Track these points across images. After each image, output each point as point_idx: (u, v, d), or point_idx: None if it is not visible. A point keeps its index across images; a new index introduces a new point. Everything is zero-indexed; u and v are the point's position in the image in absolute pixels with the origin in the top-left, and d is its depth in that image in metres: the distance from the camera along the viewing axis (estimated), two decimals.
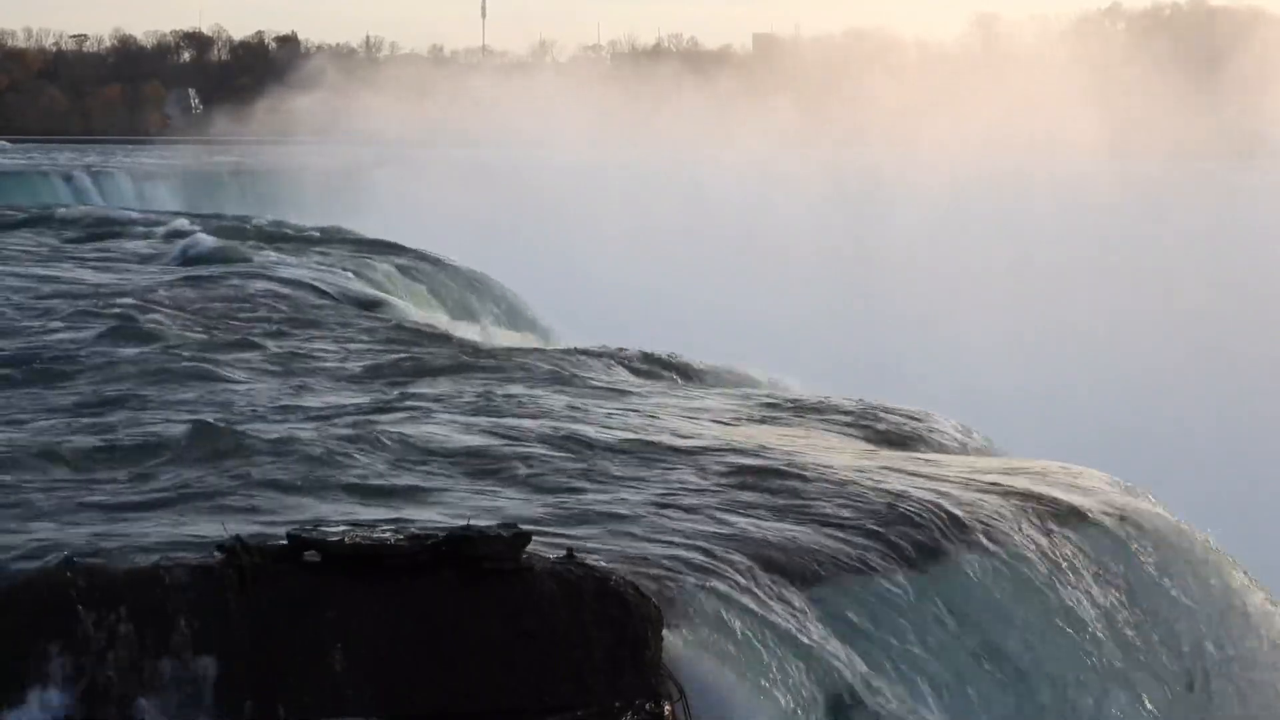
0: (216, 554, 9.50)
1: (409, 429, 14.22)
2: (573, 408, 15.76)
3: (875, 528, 11.90)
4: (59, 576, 9.21)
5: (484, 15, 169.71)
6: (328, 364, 18.06)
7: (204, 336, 19.62)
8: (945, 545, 11.82)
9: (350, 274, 28.76)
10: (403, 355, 18.82)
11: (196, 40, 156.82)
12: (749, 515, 11.97)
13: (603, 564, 10.01)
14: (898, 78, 78.49)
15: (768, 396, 17.88)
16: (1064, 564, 12.19)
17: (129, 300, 22.39)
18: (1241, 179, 62.35)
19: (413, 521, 10.80)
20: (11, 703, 8.80)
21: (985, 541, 12.01)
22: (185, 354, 18.04)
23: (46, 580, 9.21)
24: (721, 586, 10.49)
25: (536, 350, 20.94)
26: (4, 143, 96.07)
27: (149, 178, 70.42)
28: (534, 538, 9.82)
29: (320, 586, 9.33)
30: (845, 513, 12.13)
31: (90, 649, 8.95)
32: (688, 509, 12.08)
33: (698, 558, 10.88)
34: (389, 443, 13.65)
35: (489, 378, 17.27)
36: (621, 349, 20.38)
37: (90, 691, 8.89)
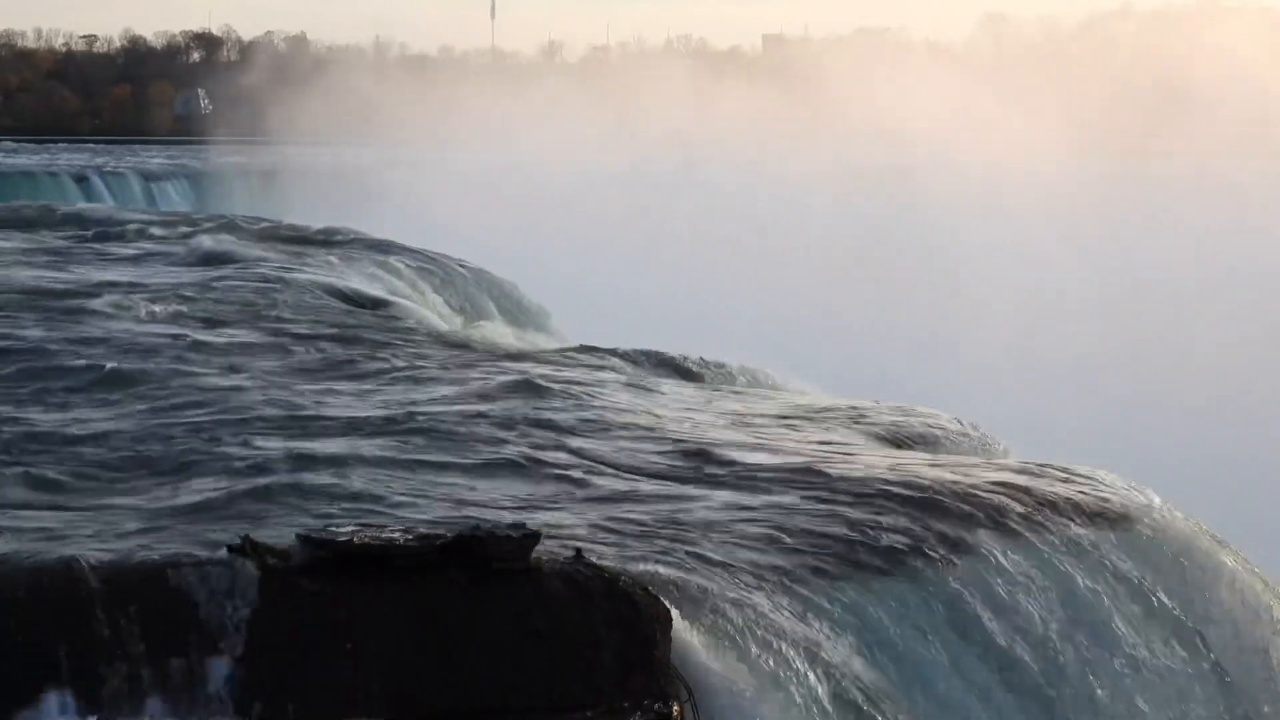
0: (226, 553, 9.52)
1: (418, 429, 14.23)
2: (582, 407, 15.76)
3: (888, 529, 11.90)
4: (71, 576, 9.23)
5: (493, 16, 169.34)
6: (336, 365, 18.07)
7: (213, 337, 19.63)
8: (960, 547, 11.81)
9: (359, 275, 28.76)
10: (412, 356, 18.82)
11: (206, 40, 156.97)
12: (760, 515, 11.97)
13: (612, 564, 10.02)
14: (906, 77, 78.44)
15: (779, 398, 17.88)
16: (1081, 565, 12.18)
17: (139, 300, 22.40)
18: (1259, 185, 62.19)
19: (422, 521, 10.81)
20: (24, 702, 8.81)
21: (1001, 543, 12.01)
22: (194, 355, 18.05)
23: (58, 580, 9.23)
24: (732, 586, 10.50)
25: (546, 350, 20.94)
26: (9, 143, 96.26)
27: (158, 178, 70.60)
28: (543, 537, 9.83)
29: (329, 586, 9.34)
30: (858, 514, 12.12)
31: (101, 649, 8.97)
32: (698, 509, 12.09)
33: (708, 557, 10.89)
34: (399, 442, 13.66)
35: (498, 378, 17.27)
36: (632, 349, 20.38)
37: (101, 691, 8.90)
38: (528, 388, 16.65)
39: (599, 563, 9.92)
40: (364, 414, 15.08)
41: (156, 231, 34.64)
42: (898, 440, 15.65)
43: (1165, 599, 12.41)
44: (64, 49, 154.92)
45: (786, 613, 10.50)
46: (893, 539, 11.76)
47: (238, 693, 9.04)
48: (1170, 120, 67.36)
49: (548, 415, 15.24)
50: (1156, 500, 13.70)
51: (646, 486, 12.75)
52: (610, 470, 13.23)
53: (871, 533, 11.80)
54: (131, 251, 30.77)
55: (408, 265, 31.50)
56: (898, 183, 64.15)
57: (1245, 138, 63.91)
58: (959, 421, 16.84)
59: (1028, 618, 11.56)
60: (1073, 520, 12.68)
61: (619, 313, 37.81)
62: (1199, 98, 68.46)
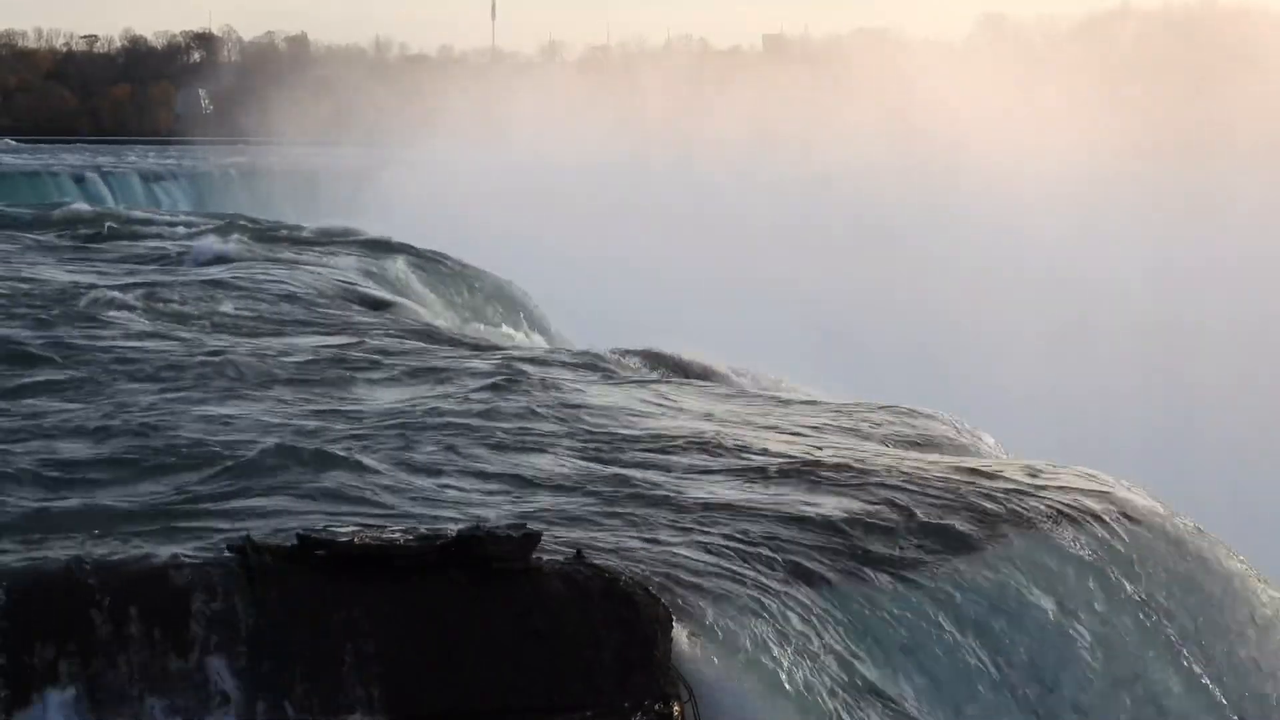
0: (226, 553, 9.53)
1: (418, 429, 14.24)
2: (581, 408, 15.77)
3: (889, 529, 11.91)
4: (69, 576, 9.23)
5: (493, 16, 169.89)
6: (336, 365, 18.07)
7: (212, 337, 19.65)
8: (961, 547, 11.82)
9: (361, 274, 28.77)
10: (412, 356, 18.84)
11: (206, 40, 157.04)
12: (760, 515, 11.98)
13: (612, 564, 10.03)
14: (911, 74, 78.41)
15: (782, 398, 17.89)
16: (1081, 566, 12.19)
17: (138, 301, 22.41)
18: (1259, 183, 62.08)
19: (423, 522, 10.82)
20: (22, 702, 8.82)
21: (1002, 544, 12.01)
22: (193, 355, 18.06)
23: (57, 580, 9.23)
24: (732, 586, 10.50)
25: (548, 350, 20.96)
26: (10, 141, 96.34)
27: (159, 178, 70.68)
28: (543, 537, 9.83)
29: (330, 586, 9.35)
30: (859, 513, 12.13)
31: (100, 649, 8.97)
32: (698, 509, 12.09)
33: (708, 557, 10.89)
34: (398, 443, 13.67)
35: (499, 378, 17.28)
36: (632, 349, 20.38)
37: (100, 691, 8.90)
38: (530, 388, 16.66)
39: (599, 563, 9.93)
40: (366, 414, 15.09)
41: (157, 231, 34.68)
42: (901, 441, 15.66)
43: (1161, 600, 12.42)
44: (64, 49, 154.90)
45: (788, 612, 10.51)
46: (894, 539, 11.77)
47: (238, 693, 9.04)
48: (1194, 111, 67.33)
49: (551, 414, 15.25)
50: (1158, 502, 13.71)
51: (648, 486, 12.75)
52: (612, 469, 13.23)
53: (874, 533, 11.81)
54: (132, 252, 30.79)
55: (410, 265, 31.53)
56: (905, 180, 64.10)
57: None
58: (957, 421, 16.85)
59: (1027, 618, 11.56)
60: (1070, 521, 12.68)
61: (619, 312, 37.80)
62: (1222, 87, 68.43)
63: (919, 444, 15.70)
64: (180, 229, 35.08)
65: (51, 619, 9.03)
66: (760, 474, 13.27)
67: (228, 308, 22.49)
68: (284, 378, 17.03)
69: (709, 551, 11.05)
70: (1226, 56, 72.33)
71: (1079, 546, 12.37)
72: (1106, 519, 12.88)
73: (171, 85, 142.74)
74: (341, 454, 13.09)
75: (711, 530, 11.55)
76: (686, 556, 10.89)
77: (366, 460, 12.98)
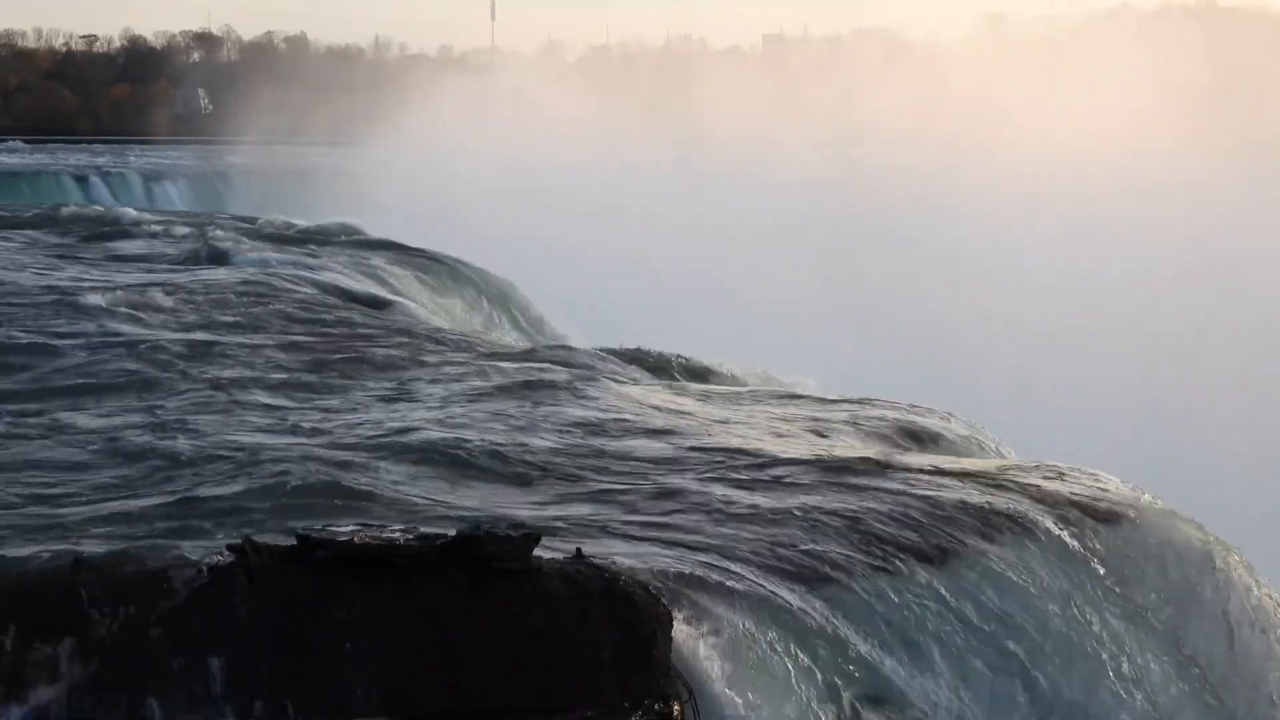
0: (226, 554, 9.52)
1: (417, 429, 14.23)
2: (580, 408, 15.76)
3: (889, 526, 11.90)
4: (70, 576, 9.22)
5: (493, 16, 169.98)
6: (336, 365, 18.07)
7: (211, 337, 19.64)
8: (961, 545, 11.82)
9: (359, 274, 28.78)
10: (411, 356, 18.83)
11: (206, 40, 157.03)
12: (761, 514, 11.97)
13: (611, 564, 10.02)
14: (909, 76, 78.49)
15: (781, 397, 17.88)
16: (1081, 564, 12.18)
17: (137, 301, 22.40)
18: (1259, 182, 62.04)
19: (422, 522, 10.81)
20: (22, 700, 8.81)
21: (1002, 541, 12.01)
22: (194, 354, 18.06)
23: (57, 579, 9.23)
24: (732, 586, 10.49)
25: (546, 350, 20.95)
26: (18, 142, 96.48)
27: (159, 178, 70.74)
28: (543, 538, 9.83)
29: (329, 586, 9.34)
30: (859, 511, 12.12)
31: (100, 648, 8.96)
32: (698, 509, 12.08)
33: (708, 558, 10.88)
34: (397, 443, 13.66)
35: (497, 378, 17.27)
36: (632, 349, 20.38)
37: (100, 690, 8.90)
38: (529, 388, 16.65)
39: (599, 563, 9.92)
40: (365, 414, 15.08)
41: (157, 231, 34.69)
42: (899, 440, 15.66)
43: (1159, 599, 12.41)
44: (64, 49, 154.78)
45: (788, 612, 10.50)
46: (892, 538, 11.76)
47: (238, 692, 9.03)
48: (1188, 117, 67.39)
49: (548, 415, 15.25)
50: (1157, 501, 13.69)
51: (648, 485, 12.75)
52: (612, 469, 13.23)
53: (872, 532, 11.80)
54: (133, 251, 30.81)
55: (408, 264, 31.54)
56: (906, 179, 64.11)
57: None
58: (958, 420, 16.85)
59: (1026, 617, 11.55)
60: (1070, 519, 12.67)
61: (619, 312, 37.78)
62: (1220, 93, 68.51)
63: (921, 442, 15.70)
64: (178, 228, 35.08)
65: (52, 618, 9.02)
66: (764, 474, 13.26)
67: (225, 308, 22.47)
68: (280, 378, 17.02)
69: (710, 551, 11.04)
70: (1227, 56, 72.36)
71: (1087, 544, 12.36)
72: (1104, 518, 12.88)
73: (171, 85, 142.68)
74: (338, 453, 13.08)
75: (713, 530, 11.55)
76: (687, 556, 10.88)
77: (364, 460, 12.98)
